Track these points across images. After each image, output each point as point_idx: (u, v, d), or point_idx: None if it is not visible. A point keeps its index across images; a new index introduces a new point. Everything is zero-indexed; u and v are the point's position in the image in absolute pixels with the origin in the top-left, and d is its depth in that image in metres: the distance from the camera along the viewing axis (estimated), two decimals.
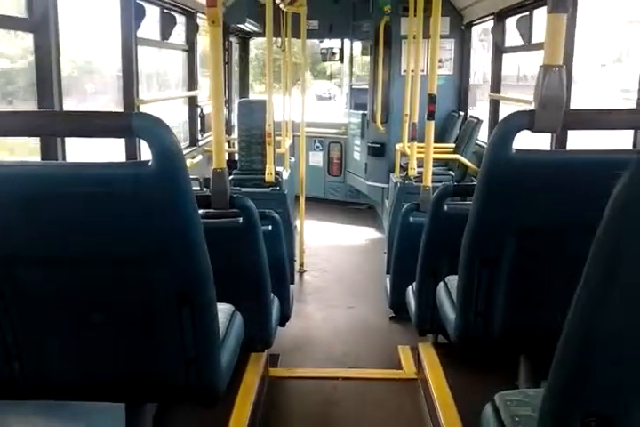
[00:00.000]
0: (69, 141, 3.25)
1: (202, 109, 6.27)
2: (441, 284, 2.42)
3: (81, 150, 3.47)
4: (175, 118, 6.12)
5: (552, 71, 1.70)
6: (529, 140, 1.80)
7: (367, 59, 8.05)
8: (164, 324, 1.60)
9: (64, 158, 3.23)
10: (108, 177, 1.42)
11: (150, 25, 4.92)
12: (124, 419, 1.86)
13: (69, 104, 3.63)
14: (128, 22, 4.12)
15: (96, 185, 1.42)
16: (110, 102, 4.55)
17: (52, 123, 1.48)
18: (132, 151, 4.11)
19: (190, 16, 5.82)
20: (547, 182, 1.71)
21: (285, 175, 5.61)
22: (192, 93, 6.11)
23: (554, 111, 1.65)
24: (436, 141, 4.38)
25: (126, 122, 1.38)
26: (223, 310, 1.98)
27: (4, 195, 1.43)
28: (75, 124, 1.47)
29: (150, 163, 1.39)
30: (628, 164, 0.87)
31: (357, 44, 8.64)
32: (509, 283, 1.86)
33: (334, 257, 6.39)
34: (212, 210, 2.51)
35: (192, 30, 5.96)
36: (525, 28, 5.01)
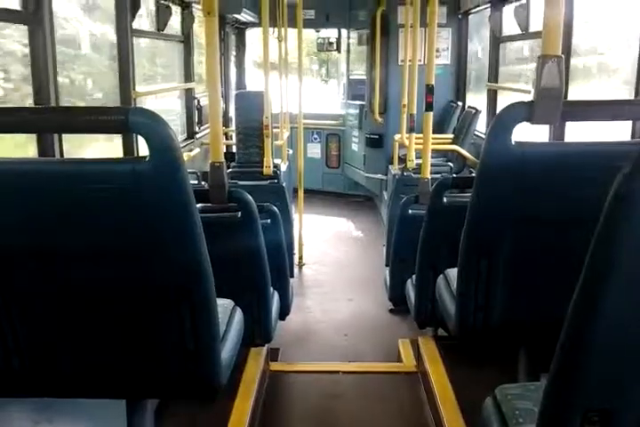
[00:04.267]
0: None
1: (199, 101, 6.24)
2: (440, 276, 2.41)
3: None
4: (173, 110, 6.09)
5: (550, 61, 1.68)
6: (527, 131, 1.78)
7: (363, 48, 8.00)
8: (164, 319, 1.59)
9: (61, 155, 3.21)
10: (106, 173, 1.41)
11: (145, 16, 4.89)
12: (125, 415, 1.86)
13: None
14: (123, 14, 4.09)
15: (94, 181, 1.41)
16: None
17: (46, 119, 1.46)
18: (129, 146, 4.09)
19: (186, 7, 5.78)
20: (546, 174, 1.70)
21: (283, 168, 5.59)
22: (189, 85, 6.08)
23: (552, 102, 1.63)
24: (434, 132, 4.36)
25: (122, 117, 1.36)
26: (223, 305, 1.97)
27: (1, 191, 1.42)
28: (70, 120, 1.45)
29: (148, 158, 1.37)
30: (628, 155, 0.87)
31: (354, 34, 8.59)
32: (509, 274, 1.86)
33: (333, 250, 6.39)
34: (210, 204, 2.49)
35: (188, 21, 5.92)
36: (523, 17, 4.97)
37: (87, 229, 1.48)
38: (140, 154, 3.95)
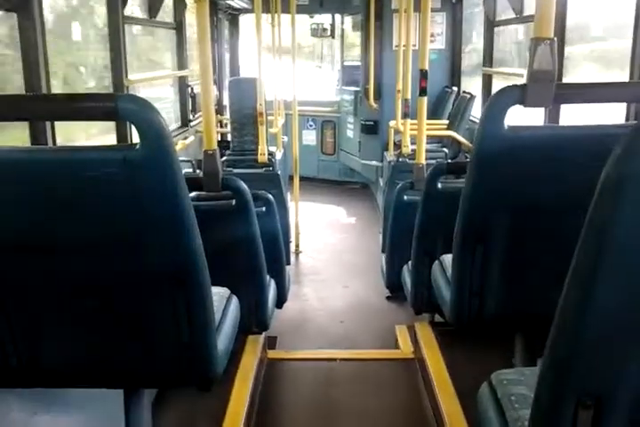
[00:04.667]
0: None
1: (192, 89, 6.20)
2: (436, 262, 2.41)
3: None
4: (166, 98, 6.05)
5: (543, 44, 1.66)
6: (524, 116, 1.77)
7: (358, 34, 7.95)
8: (158, 308, 1.58)
9: (54, 143, 3.18)
10: (97, 160, 1.40)
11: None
12: (122, 404, 1.86)
13: None
14: (114, 0, 4.04)
15: (84, 169, 1.39)
16: None
17: (35, 106, 1.44)
18: (122, 134, 4.06)
19: None
20: (540, 158, 1.69)
21: (279, 155, 5.56)
22: (182, 73, 6.03)
23: (545, 85, 1.62)
24: (429, 118, 4.34)
25: (112, 104, 1.34)
26: (218, 293, 1.96)
27: None
28: (59, 107, 1.43)
29: (138, 146, 1.36)
30: (621, 138, 0.86)
31: (348, 20, 8.53)
32: (504, 260, 1.85)
33: (329, 237, 6.39)
34: (204, 192, 2.48)
35: (180, 8, 5.86)
36: (516, 1, 4.94)
37: (78, 217, 1.47)
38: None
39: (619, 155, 0.85)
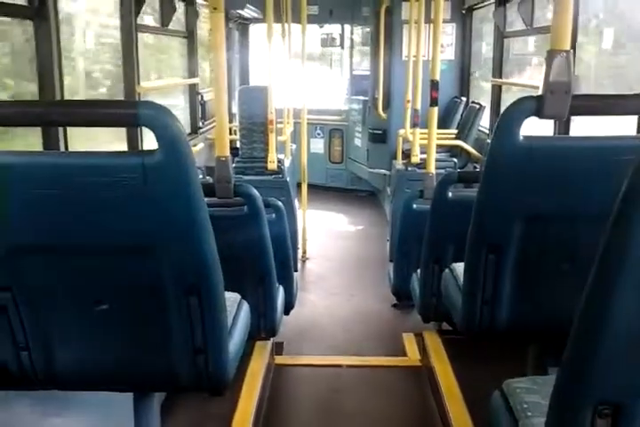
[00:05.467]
0: None
1: (202, 97, 6.24)
2: (447, 271, 2.42)
3: None
4: (176, 105, 6.09)
5: (559, 56, 1.68)
6: (531, 125, 1.79)
7: (367, 44, 7.98)
8: (173, 314, 1.60)
9: (66, 148, 3.22)
10: (115, 166, 1.42)
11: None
12: (132, 408, 1.87)
13: None
14: (128, 9, 4.09)
15: (103, 174, 1.41)
16: None
17: (57, 112, 1.47)
18: (134, 140, 4.10)
19: (190, 2, 5.77)
20: (555, 169, 1.70)
21: (287, 163, 5.59)
22: (193, 81, 6.08)
23: (561, 97, 1.63)
24: (438, 127, 4.36)
25: (132, 111, 1.37)
26: (230, 298, 1.97)
27: (10, 184, 1.43)
28: (81, 113, 1.45)
29: (157, 152, 1.38)
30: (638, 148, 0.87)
31: (358, 30, 8.58)
32: (516, 270, 1.86)
33: (336, 244, 6.39)
34: (215, 198, 2.50)
35: (192, 17, 5.91)
36: (527, 12, 4.96)
37: (96, 222, 1.48)
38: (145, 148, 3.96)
39: (638, 166, 0.86)
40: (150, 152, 1.39)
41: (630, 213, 0.88)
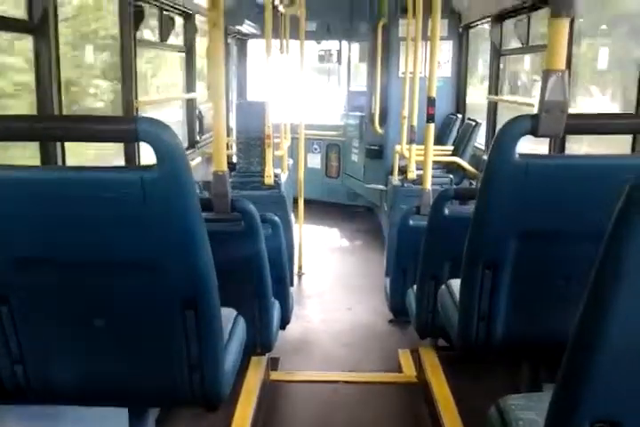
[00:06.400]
0: None
1: (200, 111, 6.26)
2: (443, 287, 2.42)
3: None
4: (172, 120, 6.11)
5: (555, 75, 1.70)
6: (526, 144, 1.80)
7: (364, 60, 8.05)
8: (169, 329, 1.59)
9: (64, 163, 3.22)
10: (113, 181, 1.42)
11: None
12: (126, 423, 1.86)
13: None
14: (126, 24, 4.11)
15: (101, 189, 1.42)
16: None
17: (56, 127, 1.47)
18: (131, 155, 4.10)
19: (189, 18, 5.82)
20: (550, 187, 1.71)
21: (284, 178, 5.60)
22: (191, 95, 6.10)
23: (557, 115, 1.65)
24: (434, 144, 4.38)
25: (131, 126, 1.38)
26: (226, 314, 1.97)
27: (8, 198, 1.43)
28: (79, 128, 1.46)
29: (155, 167, 1.39)
30: (636, 167, 0.88)
31: (355, 46, 8.65)
32: (512, 286, 1.86)
33: (332, 259, 6.39)
34: (213, 213, 2.50)
35: (191, 32, 5.96)
36: (523, 31, 5.02)
37: (94, 237, 1.49)
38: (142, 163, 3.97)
39: (633, 187, 0.87)
40: (149, 167, 1.40)
41: (625, 230, 0.89)
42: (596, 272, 0.93)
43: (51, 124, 1.48)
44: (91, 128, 1.44)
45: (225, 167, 2.64)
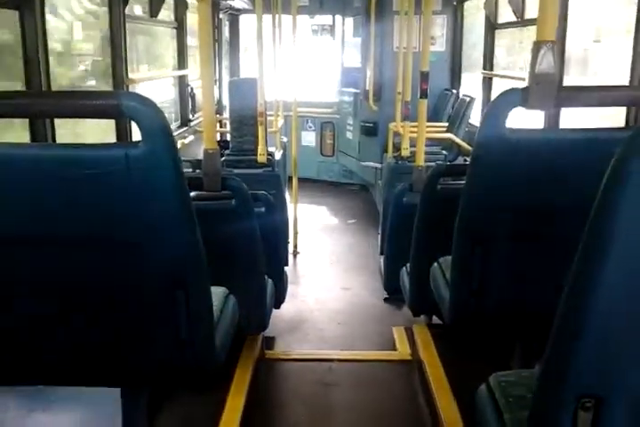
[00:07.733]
0: None
1: (192, 89, 6.19)
2: (435, 264, 2.41)
3: None
4: (167, 98, 6.05)
5: (545, 47, 1.67)
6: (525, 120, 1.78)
7: (358, 35, 7.94)
8: (158, 307, 1.59)
9: (53, 140, 3.18)
10: (99, 158, 1.40)
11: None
12: (119, 404, 1.86)
13: None
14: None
15: (87, 166, 1.39)
16: None
17: (39, 103, 1.44)
18: (122, 133, 4.06)
19: None
20: (540, 161, 1.69)
21: (278, 156, 5.56)
22: (182, 72, 6.03)
23: (547, 88, 1.63)
24: (428, 120, 4.34)
25: (115, 102, 1.35)
26: (217, 293, 1.96)
27: None
28: (63, 104, 1.43)
29: (140, 143, 1.36)
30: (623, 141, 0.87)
31: (349, 21, 8.53)
32: (503, 262, 1.86)
33: (327, 238, 6.38)
34: (203, 192, 2.48)
35: (181, 7, 5.86)
36: (518, 4, 4.95)
37: (79, 214, 1.47)
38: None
39: (621, 155, 0.86)
40: (134, 144, 1.37)
41: (612, 203, 0.88)
42: (583, 244, 0.92)
43: (32, 101, 1.45)
44: (74, 104, 1.42)
45: (215, 145, 2.61)
